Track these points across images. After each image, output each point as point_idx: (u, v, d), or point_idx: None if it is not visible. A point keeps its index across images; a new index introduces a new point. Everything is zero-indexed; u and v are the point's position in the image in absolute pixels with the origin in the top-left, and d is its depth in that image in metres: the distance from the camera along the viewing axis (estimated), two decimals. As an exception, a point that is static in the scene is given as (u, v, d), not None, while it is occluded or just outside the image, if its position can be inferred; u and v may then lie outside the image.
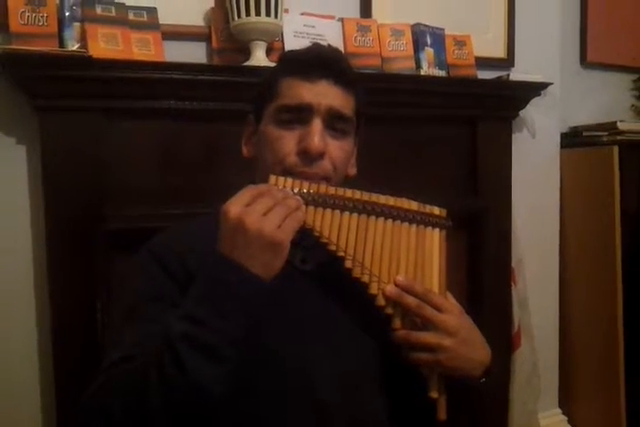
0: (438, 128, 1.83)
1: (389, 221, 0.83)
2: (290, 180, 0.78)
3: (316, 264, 0.88)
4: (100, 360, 0.78)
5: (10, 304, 1.41)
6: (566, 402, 2.22)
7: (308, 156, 0.85)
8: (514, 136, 1.99)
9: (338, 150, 0.88)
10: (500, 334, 1.91)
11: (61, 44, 1.35)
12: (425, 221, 0.86)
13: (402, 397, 0.88)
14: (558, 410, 2.22)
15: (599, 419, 2.12)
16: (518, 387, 1.97)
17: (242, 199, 0.72)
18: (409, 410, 0.88)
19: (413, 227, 0.85)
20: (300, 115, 0.86)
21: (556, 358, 2.20)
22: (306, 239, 0.80)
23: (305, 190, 0.78)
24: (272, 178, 0.78)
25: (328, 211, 0.79)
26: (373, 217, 0.82)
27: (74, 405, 0.75)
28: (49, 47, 1.30)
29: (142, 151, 1.43)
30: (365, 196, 0.82)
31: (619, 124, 2.12)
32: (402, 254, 0.83)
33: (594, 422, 2.15)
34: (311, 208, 0.77)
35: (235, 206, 0.71)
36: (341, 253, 0.79)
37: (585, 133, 2.21)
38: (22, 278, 1.42)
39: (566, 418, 2.22)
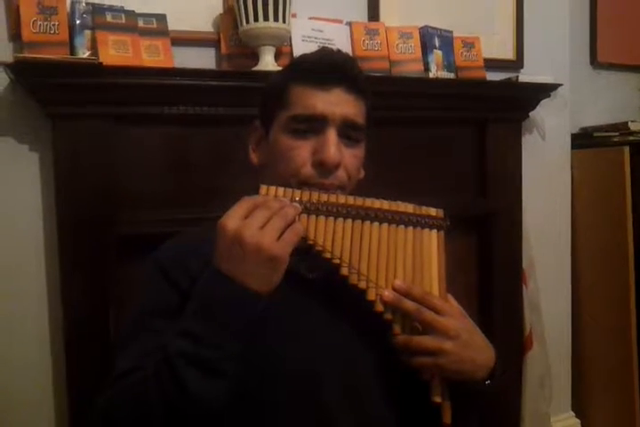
0: (448, 130, 1.83)
1: (385, 225, 0.82)
2: (281, 189, 0.77)
3: (322, 272, 0.87)
4: (111, 369, 0.80)
5: (23, 308, 1.43)
6: (580, 405, 2.21)
7: (325, 167, 0.84)
8: (524, 138, 1.99)
9: (352, 159, 0.87)
10: (511, 337, 1.91)
11: (72, 51, 1.37)
12: (422, 222, 0.84)
13: (409, 400, 0.87)
14: (571, 413, 2.21)
15: (613, 422, 2.10)
16: (530, 390, 1.96)
17: (238, 212, 0.71)
18: (416, 414, 0.87)
19: (410, 229, 0.84)
20: (313, 124, 0.85)
21: (569, 360, 2.19)
22: (312, 248, 0.80)
23: (297, 198, 0.77)
24: (263, 188, 0.77)
25: (321, 218, 0.78)
26: (368, 222, 0.81)
27: (86, 409, 0.77)
28: (60, 55, 1.32)
29: (153, 157, 1.45)
30: (359, 201, 0.81)
31: (630, 124, 2.11)
32: (399, 258, 0.82)
33: (608, 425, 2.14)
34: (304, 216, 0.77)
35: (232, 220, 0.70)
36: (336, 261, 0.78)
37: (596, 134, 2.20)
38: (35, 283, 1.43)
39: (580, 421, 2.20)
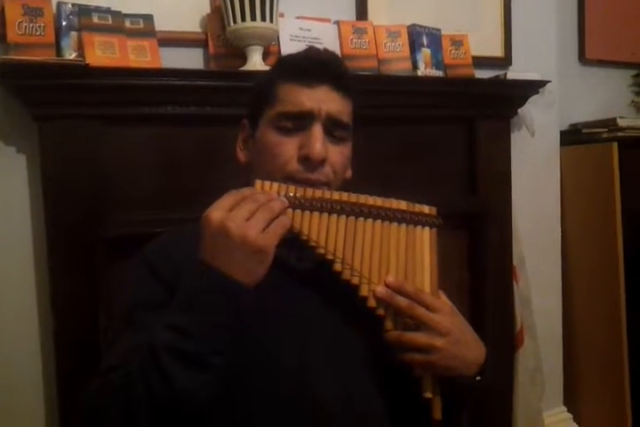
0: (437, 128, 1.83)
1: (378, 221, 0.83)
2: (275, 184, 0.78)
3: (312, 263, 0.87)
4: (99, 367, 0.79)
5: (12, 311, 1.42)
6: (571, 400, 2.22)
7: (310, 162, 0.84)
8: (513, 135, 1.99)
9: (338, 155, 0.88)
10: (502, 333, 1.91)
11: (59, 53, 1.37)
12: (414, 220, 0.85)
13: (400, 396, 0.88)
14: (563, 408, 2.22)
15: (605, 416, 2.12)
16: (522, 385, 1.97)
17: (224, 204, 0.71)
18: (408, 409, 0.88)
19: (403, 226, 0.85)
20: (300, 121, 0.86)
21: (560, 356, 2.20)
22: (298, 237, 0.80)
23: (291, 194, 0.78)
24: (257, 183, 0.77)
25: (315, 214, 0.79)
26: (361, 218, 0.82)
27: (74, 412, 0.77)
28: (46, 56, 1.31)
29: (141, 157, 1.44)
30: (352, 197, 0.82)
31: (618, 120, 2.12)
32: (392, 255, 0.83)
33: (599, 419, 2.15)
34: (298, 212, 0.77)
35: (217, 212, 0.70)
36: (330, 256, 0.79)
37: (584, 130, 2.21)
38: (25, 286, 1.43)
39: (571, 416, 2.22)
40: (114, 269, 1.38)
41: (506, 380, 1.94)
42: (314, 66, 0.88)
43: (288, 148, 0.86)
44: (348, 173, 0.97)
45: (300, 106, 0.86)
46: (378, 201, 0.84)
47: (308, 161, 0.84)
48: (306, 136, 0.85)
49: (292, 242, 0.80)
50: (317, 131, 0.85)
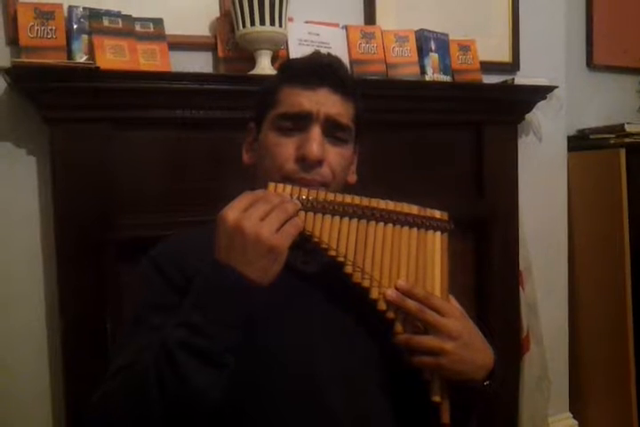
0: (444, 133, 1.83)
1: (389, 225, 0.83)
2: (289, 186, 0.78)
3: (318, 266, 0.88)
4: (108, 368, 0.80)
5: (21, 313, 1.43)
6: (577, 406, 2.21)
7: (307, 162, 0.85)
8: (520, 140, 1.99)
9: (336, 157, 0.89)
10: (508, 338, 1.91)
11: (70, 56, 1.38)
12: (426, 224, 0.85)
13: (407, 400, 0.88)
14: (569, 414, 2.21)
15: (610, 423, 2.11)
16: (528, 391, 1.96)
17: (239, 205, 0.72)
18: (414, 413, 0.88)
19: (414, 231, 0.85)
20: (299, 122, 0.87)
21: (566, 361, 2.19)
22: (307, 242, 0.80)
23: (304, 197, 0.78)
24: (271, 185, 0.78)
25: (327, 217, 0.79)
26: (373, 222, 0.82)
27: (83, 410, 0.77)
28: (57, 59, 1.33)
29: (151, 160, 1.45)
30: (365, 201, 0.82)
31: (626, 126, 2.11)
32: (402, 258, 0.83)
33: (605, 425, 2.14)
34: (310, 214, 0.78)
35: (232, 212, 0.71)
36: (341, 259, 0.79)
37: (592, 136, 2.20)
38: (33, 288, 1.44)
39: (577, 422, 2.21)
40: (124, 273, 1.38)
41: (512, 386, 1.93)
42: (315, 68, 0.89)
43: (286, 148, 0.87)
44: (352, 177, 0.97)
45: (299, 107, 0.87)
46: (390, 205, 0.84)
47: (304, 161, 0.85)
48: (304, 137, 0.86)
49: (298, 246, 0.80)
50: (315, 132, 0.86)
